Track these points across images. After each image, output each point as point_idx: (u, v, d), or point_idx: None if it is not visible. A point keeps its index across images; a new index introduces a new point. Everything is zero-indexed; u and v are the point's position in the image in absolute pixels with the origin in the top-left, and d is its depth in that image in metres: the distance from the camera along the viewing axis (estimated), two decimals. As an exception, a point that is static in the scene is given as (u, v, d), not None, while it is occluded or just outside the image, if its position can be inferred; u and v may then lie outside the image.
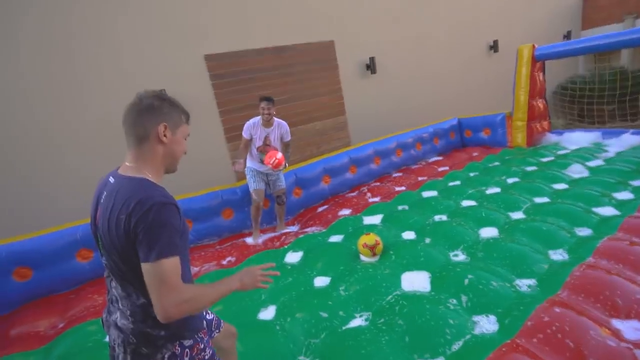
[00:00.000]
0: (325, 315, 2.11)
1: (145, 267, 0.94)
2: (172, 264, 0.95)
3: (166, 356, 1.06)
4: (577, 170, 4.05)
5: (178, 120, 1.11)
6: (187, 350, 1.09)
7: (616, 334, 1.70)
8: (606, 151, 4.69)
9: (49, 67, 3.80)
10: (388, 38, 6.25)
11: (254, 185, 3.56)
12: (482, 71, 7.65)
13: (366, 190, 4.63)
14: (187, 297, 0.96)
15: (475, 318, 1.96)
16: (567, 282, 2.06)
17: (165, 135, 1.07)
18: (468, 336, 1.82)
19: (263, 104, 3.37)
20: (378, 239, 2.78)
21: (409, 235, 3.14)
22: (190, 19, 4.56)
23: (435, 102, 6.99)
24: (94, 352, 2.25)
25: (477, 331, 1.87)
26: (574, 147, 5.05)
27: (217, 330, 1.43)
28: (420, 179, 4.80)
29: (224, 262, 3.33)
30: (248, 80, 5.00)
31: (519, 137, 5.44)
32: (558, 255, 2.48)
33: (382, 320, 2.01)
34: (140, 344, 1.04)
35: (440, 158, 5.77)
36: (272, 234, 3.77)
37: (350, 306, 2.22)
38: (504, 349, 1.63)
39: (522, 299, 2.00)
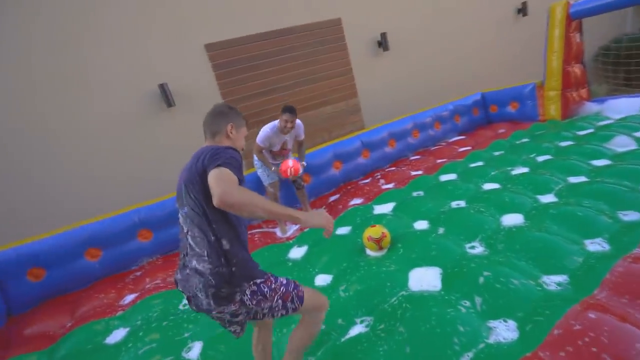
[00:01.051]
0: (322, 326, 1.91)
1: (209, 175, 1.16)
2: (230, 172, 1.16)
3: (247, 292, 1.25)
4: (622, 143, 3.51)
5: (240, 123, 1.48)
6: (262, 285, 1.29)
7: (670, 345, 1.36)
8: (658, 119, 4.05)
9: (49, 64, 3.80)
10: (400, 10, 5.76)
11: (268, 179, 3.47)
12: (510, 39, 6.91)
13: (379, 176, 4.34)
14: (242, 188, 1.15)
15: (491, 324, 1.68)
16: (607, 279, 1.72)
17: (231, 132, 1.44)
18: (481, 346, 1.56)
19: (286, 116, 3.12)
20: (385, 231, 2.53)
21: (421, 225, 2.85)
22: (188, 8, 4.39)
23: (456, 77, 6.42)
24: (94, 355, 2.23)
25: (492, 340, 1.59)
26: (618, 117, 4.41)
27: None
28: (438, 161, 4.42)
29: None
30: (251, 68, 4.80)
31: (552, 109, 4.85)
32: (596, 245, 2.10)
33: (382, 326, 1.78)
34: (219, 285, 1.20)
35: (462, 137, 5.31)
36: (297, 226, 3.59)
37: (350, 311, 2.00)
38: (523, 365, 1.36)
39: (549, 301, 1.69)
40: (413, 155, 4.97)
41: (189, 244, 1.27)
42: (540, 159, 3.68)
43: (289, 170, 3.12)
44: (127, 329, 2.40)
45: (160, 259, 3.54)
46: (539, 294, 1.77)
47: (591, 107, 4.91)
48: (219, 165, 1.16)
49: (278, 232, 3.57)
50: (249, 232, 3.69)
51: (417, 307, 1.83)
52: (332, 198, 4.15)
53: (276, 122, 3.25)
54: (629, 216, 2.32)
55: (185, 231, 1.30)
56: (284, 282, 1.36)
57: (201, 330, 2.17)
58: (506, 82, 6.12)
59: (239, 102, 4.75)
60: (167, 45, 4.33)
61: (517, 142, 4.38)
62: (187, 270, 1.26)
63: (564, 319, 1.52)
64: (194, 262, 1.23)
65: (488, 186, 3.30)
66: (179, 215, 1.34)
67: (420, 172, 4.15)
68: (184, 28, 4.40)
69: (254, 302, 1.26)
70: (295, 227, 3.65)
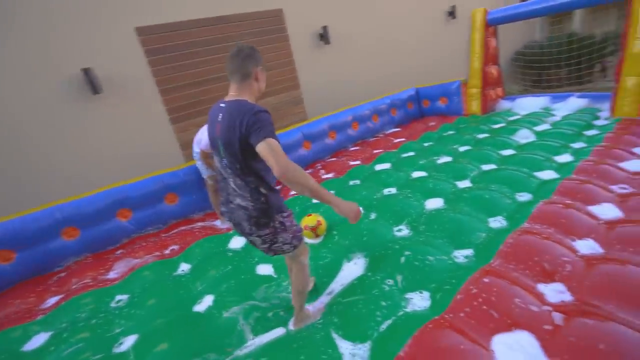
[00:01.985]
0: (259, 319, 1.99)
1: (259, 147, 1.35)
2: (277, 142, 1.36)
3: (277, 222, 1.57)
4: (524, 136, 4.10)
5: (263, 66, 1.55)
6: (286, 218, 1.62)
7: (540, 297, 1.70)
8: (554, 115, 4.78)
9: None
10: (341, 5, 5.91)
11: (207, 171, 3.38)
12: (441, 38, 7.50)
13: (320, 166, 4.49)
14: (297, 166, 1.36)
15: (409, 295, 1.91)
16: (501, 250, 2.05)
17: (259, 75, 1.52)
18: (399, 314, 1.77)
19: None
20: (321, 219, 2.67)
21: (356, 211, 3.05)
22: (113, -15, 4.02)
23: (394, 72, 6.81)
24: None
25: (409, 309, 1.82)
26: (524, 113, 5.11)
27: None
28: (375, 151, 4.71)
29: (167, 252, 3.13)
30: (188, 55, 4.58)
31: (474, 105, 5.43)
32: (497, 222, 2.47)
33: (320, 321, 1.92)
34: (259, 216, 1.52)
35: (398, 129, 5.69)
36: None
37: (288, 302, 2.11)
38: (430, 326, 1.59)
39: (456, 271, 1.97)
40: (352, 147, 5.21)
41: (232, 187, 1.53)
42: (462, 149, 4.13)
43: None
44: (50, 333, 2.23)
45: (89, 257, 3.30)
46: (450, 266, 2.05)
47: (505, 104, 5.60)
48: (265, 137, 1.33)
49: (218, 223, 3.54)
50: (189, 225, 3.61)
51: (345, 296, 1.99)
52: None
53: None
54: (523, 197, 2.75)
55: (226, 177, 1.55)
56: (296, 223, 1.71)
57: (136, 324, 2.11)
58: (440, 78, 6.66)
59: (175, 91, 4.53)
60: (91, 26, 3.93)
61: (444, 134, 4.84)
62: (232, 205, 1.55)
63: (465, 285, 1.79)
64: (238, 200, 1.52)
65: (417, 174, 3.63)
66: (218, 162, 1.57)
67: (358, 162, 4.39)
68: (111, 8, 4.03)
69: (279, 230, 1.58)
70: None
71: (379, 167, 4.04)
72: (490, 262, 1.98)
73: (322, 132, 4.82)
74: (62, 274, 3.05)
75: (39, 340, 2.21)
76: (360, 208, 1.58)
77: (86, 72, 3.86)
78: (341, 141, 5.08)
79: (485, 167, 3.46)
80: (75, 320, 2.26)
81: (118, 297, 2.49)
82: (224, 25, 4.82)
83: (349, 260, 2.38)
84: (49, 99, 3.76)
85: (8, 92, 3.56)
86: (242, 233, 1.62)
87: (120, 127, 4.23)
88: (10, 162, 3.63)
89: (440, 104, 5.95)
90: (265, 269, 2.51)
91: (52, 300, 2.66)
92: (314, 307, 2.01)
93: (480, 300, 1.67)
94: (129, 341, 1.97)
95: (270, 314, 2.02)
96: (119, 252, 3.28)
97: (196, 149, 3.36)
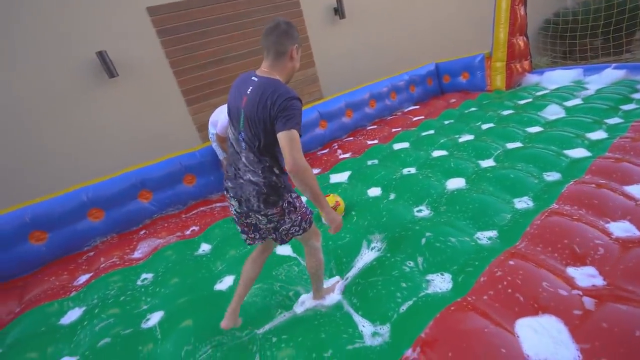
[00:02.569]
0: (279, 297, 2.02)
1: (281, 134, 1.34)
2: (298, 136, 1.35)
3: (286, 202, 1.53)
4: (553, 112, 3.87)
5: (299, 44, 1.49)
6: (295, 199, 1.58)
7: (569, 281, 1.63)
8: (586, 89, 4.47)
9: None
10: (357, -25, 5.62)
11: (224, 153, 3.40)
12: (463, 9, 7.07)
13: (337, 146, 4.42)
14: (308, 165, 1.37)
15: (429, 277, 1.88)
16: (527, 232, 1.97)
17: (294, 54, 1.46)
18: (420, 296, 1.75)
19: None
20: (339, 199, 2.64)
21: (374, 192, 3.00)
22: (124, -37, 3.94)
23: (412, 47, 6.52)
24: (47, 336, 2.17)
25: (430, 291, 1.79)
26: (553, 87, 4.81)
27: None
28: (393, 130, 4.58)
29: (188, 232, 3.20)
30: (201, 35, 4.50)
31: (498, 80, 5.15)
32: (523, 203, 2.37)
33: (340, 300, 1.93)
34: (269, 193, 1.48)
35: (416, 107, 5.49)
36: None
37: (306, 281, 2.12)
38: (452, 308, 1.56)
39: (479, 253, 1.92)
40: (370, 125, 5.09)
41: (244, 162, 1.49)
42: (485, 126, 3.95)
43: None
44: (83, 308, 2.36)
45: (115, 237, 3.42)
46: (472, 248, 1.99)
47: (532, 78, 5.28)
48: (291, 128, 1.32)
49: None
50: (209, 206, 3.66)
51: (364, 276, 1.98)
52: (292, 170, 4.19)
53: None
54: (551, 176, 2.62)
55: (238, 150, 1.51)
56: (304, 204, 1.65)
57: (161, 302, 2.19)
58: (460, 52, 6.33)
59: (189, 72, 4.49)
60: (103, 7, 3.90)
61: (466, 111, 4.63)
62: (242, 180, 1.50)
63: (489, 267, 1.74)
64: (249, 175, 1.48)
65: (437, 153, 3.51)
66: (233, 133, 1.52)
67: (375, 142, 4.29)
68: (122, -13, 3.97)
69: (288, 210, 1.54)
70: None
71: (397, 146, 3.94)
72: (516, 244, 1.91)
73: (339, 111, 4.71)
74: (91, 254, 3.18)
75: (73, 314, 2.34)
76: (341, 223, 1.57)
77: (101, 55, 3.86)
78: (358, 120, 4.97)
79: (510, 145, 3.30)
80: (105, 297, 2.36)
81: (143, 276, 2.58)
82: (235, 2, 4.68)
83: (368, 241, 2.36)
84: (66, 84, 3.80)
85: (26, 78, 3.62)
86: (248, 210, 1.55)
87: (137, 110, 4.26)
88: (33, 147, 3.74)
89: (462, 79, 5.67)
90: (284, 250, 2.52)
91: (83, 278, 2.79)
92: (331, 283, 2.03)
93: (505, 283, 1.62)
94: (155, 317, 2.05)
95: (290, 293, 2.04)
96: (142, 232, 3.38)
97: (212, 130, 3.35)
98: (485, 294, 1.61)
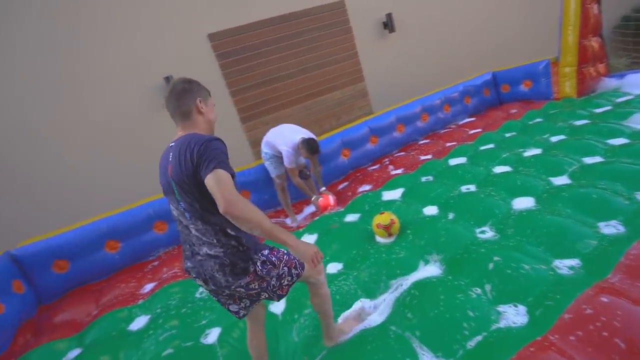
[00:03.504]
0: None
1: (206, 179, 1.17)
2: (227, 174, 1.18)
3: (259, 264, 1.32)
4: (640, 120, 3.39)
5: (205, 94, 1.44)
6: (269, 255, 1.37)
7: (684, 328, 1.35)
8: (680, 92, 3.88)
9: (49, 67, 3.82)
10: (406, -12, 5.56)
11: (276, 171, 3.49)
12: (521, 12, 6.61)
13: (388, 161, 4.31)
14: (245, 200, 1.17)
15: (501, 308, 1.69)
16: (621, 262, 1.70)
17: (202, 107, 1.39)
18: (491, 330, 1.58)
19: (311, 156, 3.31)
20: (394, 217, 2.53)
21: (430, 210, 2.85)
22: (189, -2, 4.33)
23: (466, 56, 6.23)
24: (118, 341, 2.34)
25: (502, 324, 1.61)
26: (639, 92, 4.23)
27: None
28: (448, 144, 4.36)
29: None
30: (255, 56, 4.74)
31: (567, 86, 4.68)
32: (611, 228, 2.06)
33: (391, 313, 1.82)
34: (235, 262, 1.28)
35: (472, 119, 5.20)
36: (306, 212, 3.74)
37: (359, 297, 2.04)
38: (531, 349, 1.38)
39: (560, 285, 1.69)
40: (422, 140, 4.91)
41: (195, 235, 1.31)
42: (554, 139, 3.59)
43: (329, 208, 3.35)
44: (148, 316, 2.51)
45: (175, 249, 3.64)
46: (550, 278, 1.77)
47: (609, 83, 4.72)
48: (215, 168, 1.16)
49: (288, 221, 3.62)
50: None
51: (425, 294, 1.85)
52: (341, 186, 4.16)
53: (294, 141, 3.26)
54: (645, 197, 2.26)
55: (186, 224, 1.34)
56: (286, 252, 1.43)
57: (218, 317, 2.25)
58: (520, 59, 5.90)
59: (243, 92, 4.74)
60: (170, 37, 4.31)
61: (530, 123, 4.26)
62: (199, 257, 1.32)
63: (575, 303, 1.52)
64: (205, 249, 1.30)
65: (499, 169, 3.25)
66: (173, 208, 1.37)
67: (429, 157, 4.11)
68: (186, 18, 4.36)
69: (265, 271, 1.33)
70: (304, 215, 3.69)
71: (453, 161, 3.73)
72: (607, 277, 1.65)
73: (390, 126, 4.62)
74: (155, 263, 3.41)
75: (140, 322, 2.50)
76: (318, 250, 1.30)
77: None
78: (410, 134, 4.82)
79: (588, 160, 2.94)
80: (168, 307, 2.49)
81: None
82: (288, 23, 4.88)
83: (425, 261, 2.22)
84: (139, 107, 4.22)
85: (103, 101, 4.08)
86: (217, 289, 1.35)
87: (198, 129, 4.58)
88: (107, 163, 4.17)
89: (523, 87, 5.26)
90: (333, 267, 2.48)
91: (149, 287, 2.99)
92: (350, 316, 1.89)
93: (598, 324, 1.39)
94: (213, 333, 2.10)
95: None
96: (200, 244, 3.56)
97: (264, 149, 3.46)
98: (572, 334, 1.40)
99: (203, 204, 1.26)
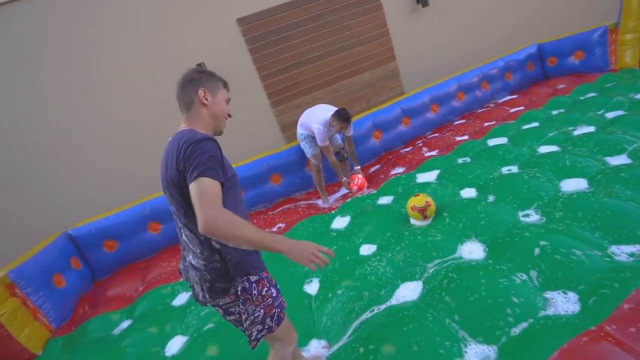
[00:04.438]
0: (366, 294, 1.95)
1: (190, 187, 1.05)
2: (212, 183, 1.04)
3: (238, 290, 1.18)
4: None
5: (216, 86, 1.30)
6: (254, 284, 1.21)
7: None
8: None
9: (81, 64, 3.99)
10: (442, -43, 5.18)
11: (311, 150, 3.48)
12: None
13: (421, 143, 4.16)
14: (227, 216, 1.02)
15: (549, 294, 1.59)
16: (691, 248, 1.53)
17: (206, 99, 1.26)
18: (537, 317, 1.49)
19: (343, 124, 3.18)
20: (429, 200, 2.45)
21: (468, 192, 2.72)
22: (217, -18, 4.32)
23: (508, 29, 5.75)
24: (164, 314, 2.50)
25: (549, 312, 1.52)
26: None
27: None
28: (486, 124, 4.11)
29: (274, 229, 3.36)
30: (284, 39, 4.67)
31: (628, 56, 4.21)
32: (679, 211, 1.86)
33: (427, 295, 1.78)
34: (215, 280, 1.17)
35: (514, 97, 4.85)
36: (339, 194, 3.73)
37: (394, 280, 2.01)
38: (584, 339, 1.29)
39: (618, 273, 1.55)
40: (458, 120, 4.67)
41: (185, 240, 1.23)
42: (610, 115, 3.26)
43: (355, 188, 3.33)
44: (189, 294, 2.65)
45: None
46: (606, 265, 1.63)
47: (678, 50, 4.18)
48: (198, 177, 1.03)
49: (320, 203, 3.63)
50: (293, 204, 3.79)
51: (465, 277, 1.78)
52: (373, 168, 4.09)
53: (326, 118, 3.22)
54: None
55: (179, 226, 1.25)
56: (274, 294, 1.27)
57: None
58: (567, 29, 5.37)
59: (273, 76, 4.71)
60: (201, 24, 4.34)
61: (581, 98, 3.90)
62: (186, 262, 1.25)
63: (636, 292, 1.39)
64: (190, 257, 1.21)
65: (544, 149, 3.02)
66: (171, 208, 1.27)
67: (466, 137, 3.91)
68: (215, 4, 4.36)
69: (242, 300, 1.19)
70: (336, 197, 3.68)
71: (492, 141, 3.52)
72: (675, 264, 1.50)
73: (423, 106, 4.44)
74: (194, 244, 3.57)
75: (182, 298, 2.66)
76: (316, 250, 1.12)
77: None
78: (444, 114, 4.61)
79: (652, 136, 2.65)
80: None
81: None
82: (315, 3, 4.73)
83: (464, 244, 2.13)
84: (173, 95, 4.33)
85: (137, 94, 4.22)
86: (196, 300, 1.26)
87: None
88: (148, 148, 4.35)
89: (574, 60, 4.80)
90: (367, 249, 2.46)
91: (188, 266, 3.14)
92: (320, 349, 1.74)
93: (664, 314, 1.27)
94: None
95: (382, 292, 1.96)
96: (234, 227, 3.67)
97: (299, 130, 3.47)
98: (633, 326, 1.29)
99: (187, 213, 1.15)
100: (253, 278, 1.21)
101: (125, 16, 4.07)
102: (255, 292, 1.20)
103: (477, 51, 5.52)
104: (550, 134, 3.22)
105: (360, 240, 2.59)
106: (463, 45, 5.53)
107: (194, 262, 1.19)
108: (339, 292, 2.05)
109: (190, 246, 1.20)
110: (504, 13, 5.66)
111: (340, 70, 4.98)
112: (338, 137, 3.57)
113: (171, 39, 4.24)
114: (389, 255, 2.22)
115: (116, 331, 2.54)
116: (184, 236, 1.23)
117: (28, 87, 3.86)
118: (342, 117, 3.14)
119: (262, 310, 1.21)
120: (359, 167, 3.65)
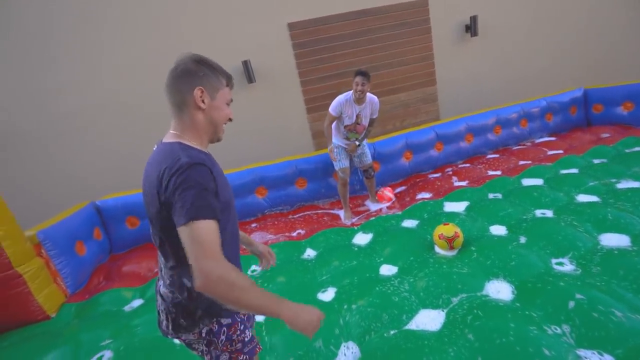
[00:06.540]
0: (384, 314, 1.92)
1: (180, 232, 0.86)
2: (207, 226, 0.85)
3: (204, 331, 1.03)
4: None
5: (217, 84, 1.02)
6: (224, 328, 1.04)
7: None
8: None
9: (138, 44, 4.17)
10: (497, -9, 5.18)
11: (340, 163, 3.42)
12: (630, 20, 5.80)
13: (451, 171, 4.09)
14: (231, 275, 0.84)
15: (582, 352, 1.51)
16: None
17: (203, 101, 0.99)
18: (568, 374, 1.42)
19: (358, 79, 3.10)
20: (458, 230, 2.40)
21: (498, 230, 2.65)
22: (274, -15, 4.45)
23: (554, 68, 5.65)
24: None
25: (583, 371, 1.44)
26: None
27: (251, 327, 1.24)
28: (522, 163, 4.01)
29: (294, 234, 3.36)
30: (330, 49, 4.74)
31: (681, 115, 4.05)
32: None
33: (448, 329, 1.72)
34: (179, 316, 1.02)
35: (552, 139, 4.73)
36: (363, 214, 3.64)
37: (415, 305, 1.97)
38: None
39: (660, 341, 1.46)
40: (491, 153, 4.58)
41: (159, 261, 1.08)
42: (659, 172, 3.13)
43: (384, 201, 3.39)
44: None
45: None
46: (648, 330, 1.54)
47: None
48: (191, 218, 0.84)
49: (342, 215, 3.60)
50: (315, 211, 3.77)
51: (492, 317, 1.72)
52: (399, 189, 4.04)
53: (351, 91, 3.21)
54: None
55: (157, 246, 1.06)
56: (246, 338, 1.10)
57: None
58: (618, 78, 5.22)
59: (313, 83, 4.78)
60: (252, 23, 4.46)
61: (627, 151, 3.76)
62: (158, 285, 1.11)
63: (681, 366, 1.31)
64: (161, 283, 1.07)
65: (583, 198, 2.92)
66: None
67: (498, 173, 3.82)
68: (269, 5, 4.49)
69: (205, 342, 1.05)
70: (359, 215, 3.65)
71: (527, 181, 3.42)
72: None
73: (458, 134, 4.38)
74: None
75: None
76: (320, 320, 0.95)
77: (245, 64, 4.41)
78: (478, 146, 4.53)
79: None
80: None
81: (253, 267, 2.79)
82: (366, 18, 4.80)
83: (490, 281, 2.07)
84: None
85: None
86: (158, 327, 1.11)
87: (266, 113, 4.73)
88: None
89: (622, 110, 4.65)
90: (388, 269, 2.42)
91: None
92: None
93: None
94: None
95: (403, 315, 1.91)
96: (254, 224, 3.69)
97: (332, 139, 3.47)
98: (677, 402, 1.20)
99: (164, 246, 0.99)
100: (225, 321, 1.04)
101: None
102: (223, 337, 1.04)
103: (518, 88, 5.44)
104: (591, 183, 3.11)
105: (382, 259, 2.56)
106: (506, 79, 5.46)
107: (162, 290, 1.05)
108: (353, 306, 2.02)
109: (162, 273, 1.05)
110: (553, 53, 5.57)
111: (379, 87, 5.00)
112: (368, 152, 3.53)
113: (218, 31, 4.37)
114: (411, 280, 2.18)
115: (127, 308, 2.58)
116: (159, 258, 1.07)
117: (87, 52, 4.04)
118: (359, 71, 3.11)
119: (226, 355, 1.07)
120: (357, 143, 3.36)
